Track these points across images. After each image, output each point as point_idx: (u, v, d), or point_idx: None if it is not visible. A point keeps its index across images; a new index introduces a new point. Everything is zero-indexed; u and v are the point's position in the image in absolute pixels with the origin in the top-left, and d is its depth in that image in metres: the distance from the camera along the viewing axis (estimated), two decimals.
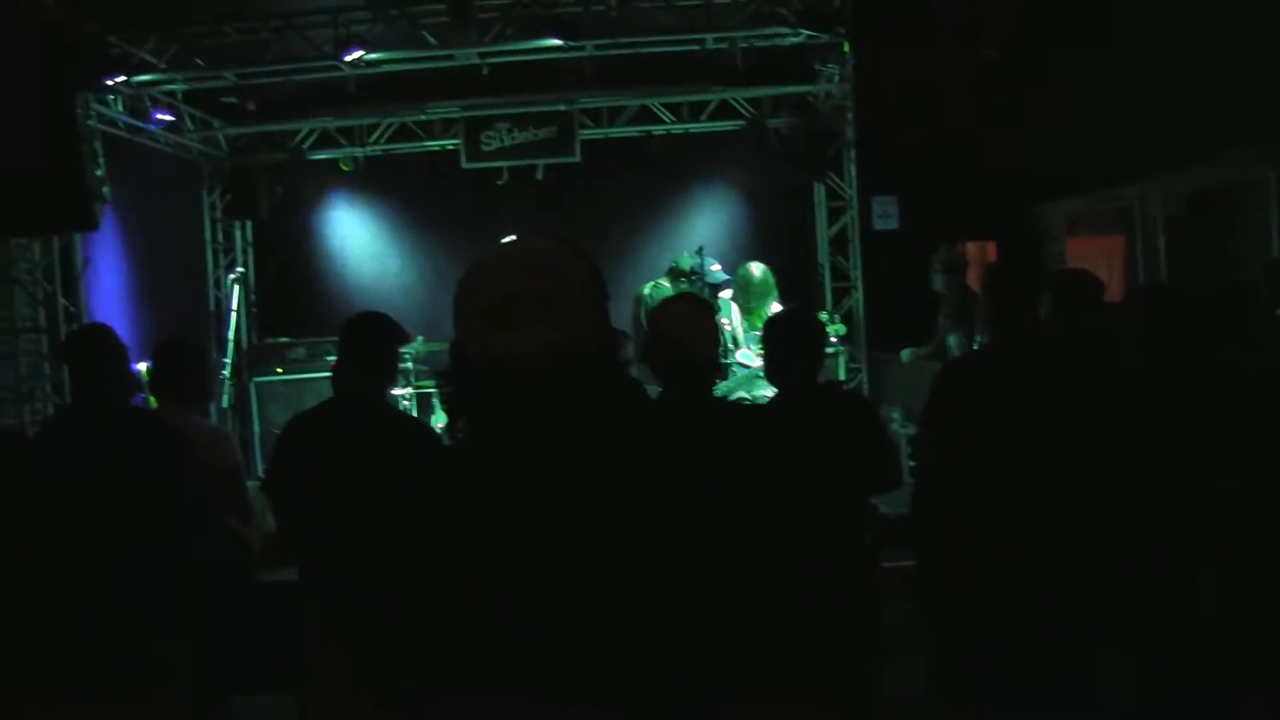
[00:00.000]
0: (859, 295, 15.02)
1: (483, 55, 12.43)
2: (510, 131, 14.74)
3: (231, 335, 14.67)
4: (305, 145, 15.51)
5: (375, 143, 15.53)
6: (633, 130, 15.26)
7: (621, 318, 11.68)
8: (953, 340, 11.99)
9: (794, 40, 11.94)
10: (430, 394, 13.38)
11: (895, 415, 12.25)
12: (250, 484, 6.79)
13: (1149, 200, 10.23)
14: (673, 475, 2.40)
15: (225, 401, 13.84)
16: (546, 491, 2.27)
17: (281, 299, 16.40)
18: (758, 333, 6.02)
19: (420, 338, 12.75)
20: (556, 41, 11.68)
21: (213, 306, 16.09)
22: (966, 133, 9.82)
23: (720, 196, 16.30)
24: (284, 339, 14.98)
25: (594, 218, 15.37)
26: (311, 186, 16.30)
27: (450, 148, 15.20)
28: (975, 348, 11.16)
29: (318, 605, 5.81)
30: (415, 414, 12.49)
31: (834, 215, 15.25)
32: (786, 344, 5.91)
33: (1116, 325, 6.22)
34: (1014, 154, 10.03)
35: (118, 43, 11.52)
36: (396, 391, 12.11)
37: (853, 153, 12.77)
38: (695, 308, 5.49)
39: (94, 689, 5.71)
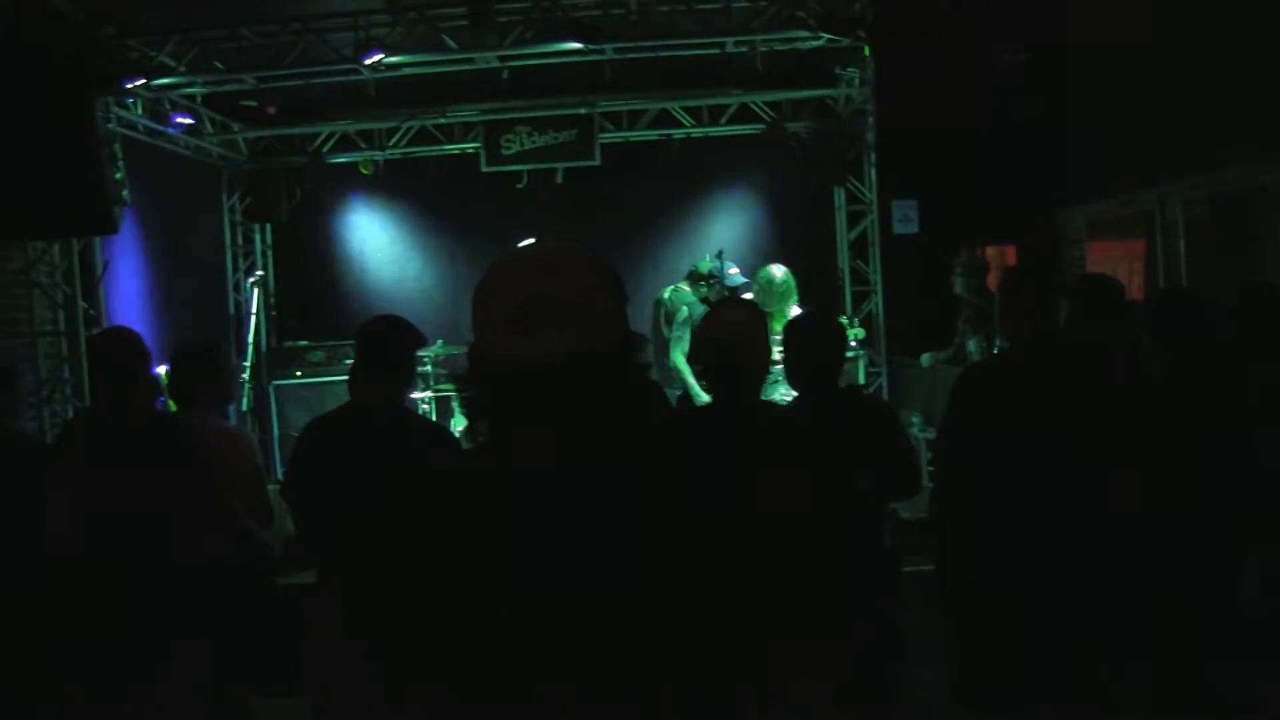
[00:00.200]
0: (878, 299, 14.99)
1: (502, 59, 12.40)
2: (530, 135, 14.73)
3: (251, 338, 14.68)
4: (325, 149, 15.51)
5: (395, 146, 15.53)
6: (653, 134, 15.25)
7: (641, 321, 11.66)
8: (972, 344, 11.97)
9: (814, 44, 11.91)
10: (449, 397, 13.37)
11: (914, 419, 12.23)
12: (269, 487, 6.78)
13: (1170, 204, 10.18)
14: (695, 478, 2.40)
15: (245, 404, 13.85)
16: (566, 493, 2.26)
17: (301, 302, 16.41)
18: (778, 335, 5.99)
19: (439, 341, 12.76)
20: (576, 45, 11.67)
21: (232, 310, 16.11)
22: (987, 137, 9.80)
23: (740, 200, 16.26)
24: (303, 342, 14.99)
25: (613, 221, 15.36)
26: (331, 190, 16.28)
27: (470, 151, 15.19)
28: (995, 352, 11.14)
29: (335, 609, 5.81)
30: (434, 417, 12.50)
31: (854, 219, 15.25)
32: (807, 346, 5.90)
33: (1137, 330, 6.20)
34: (1035, 158, 10.01)
35: (137, 46, 11.53)
36: (415, 395, 12.10)
37: (873, 156, 12.71)
38: (747, 312, 5.45)
39: (111, 688, 5.72)
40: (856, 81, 13.72)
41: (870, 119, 12.50)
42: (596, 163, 14.83)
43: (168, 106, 13.33)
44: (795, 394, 6.03)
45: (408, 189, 16.31)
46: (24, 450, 6.50)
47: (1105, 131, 10.47)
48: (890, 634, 5.75)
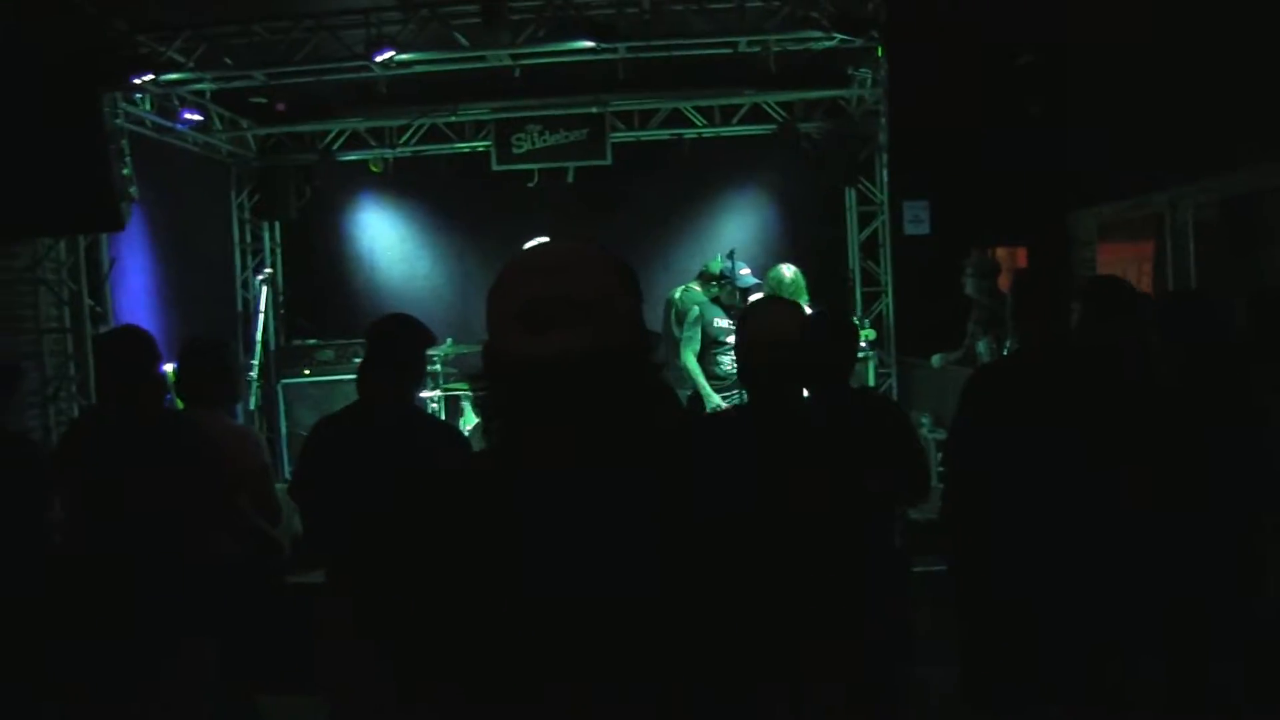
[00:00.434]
0: (889, 300, 14.98)
1: (514, 57, 12.39)
2: (541, 134, 14.72)
3: (259, 336, 14.68)
4: (335, 146, 15.50)
5: (405, 144, 15.51)
6: (664, 133, 15.24)
7: (652, 321, 11.65)
8: (983, 346, 11.95)
9: (827, 44, 11.90)
10: (458, 396, 13.38)
11: (925, 420, 12.22)
12: (278, 486, 6.77)
13: (1181, 206, 10.14)
14: (717, 477, 2.39)
15: (253, 403, 13.85)
16: (580, 493, 2.25)
17: (309, 300, 16.41)
18: None
19: (449, 340, 12.73)
20: (589, 44, 11.65)
21: (240, 308, 16.08)
22: (999, 138, 9.78)
23: (751, 200, 16.26)
24: (312, 340, 14.98)
25: (624, 221, 15.36)
26: (341, 188, 16.28)
27: (481, 150, 15.18)
28: (1005, 353, 11.12)
29: (344, 608, 5.79)
30: (443, 416, 12.49)
31: (865, 220, 15.24)
32: (820, 346, 5.87)
33: (1147, 331, 6.20)
34: (1046, 158, 9.99)
35: (147, 42, 11.50)
36: (424, 394, 12.08)
37: (884, 157, 12.71)
38: (789, 311, 5.39)
39: (119, 687, 5.71)
40: (869, 82, 13.70)
41: (882, 119, 12.48)
42: (608, 162, 14.80)
43: (176, 103, 13.31)
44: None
45: (418, 187, 16.29)
46: (27, 449, 6.49)
47: (1117, 133, 10.44)
48: (900, 634, 5.73)
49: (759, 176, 16.13)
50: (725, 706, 2.22)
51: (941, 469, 7.16)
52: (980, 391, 6.06)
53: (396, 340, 5.97)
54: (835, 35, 11.43)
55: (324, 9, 11.63)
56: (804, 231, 15.68)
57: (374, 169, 15.71)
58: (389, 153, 15.56)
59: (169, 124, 13.39)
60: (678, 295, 11.71)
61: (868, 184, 14.93)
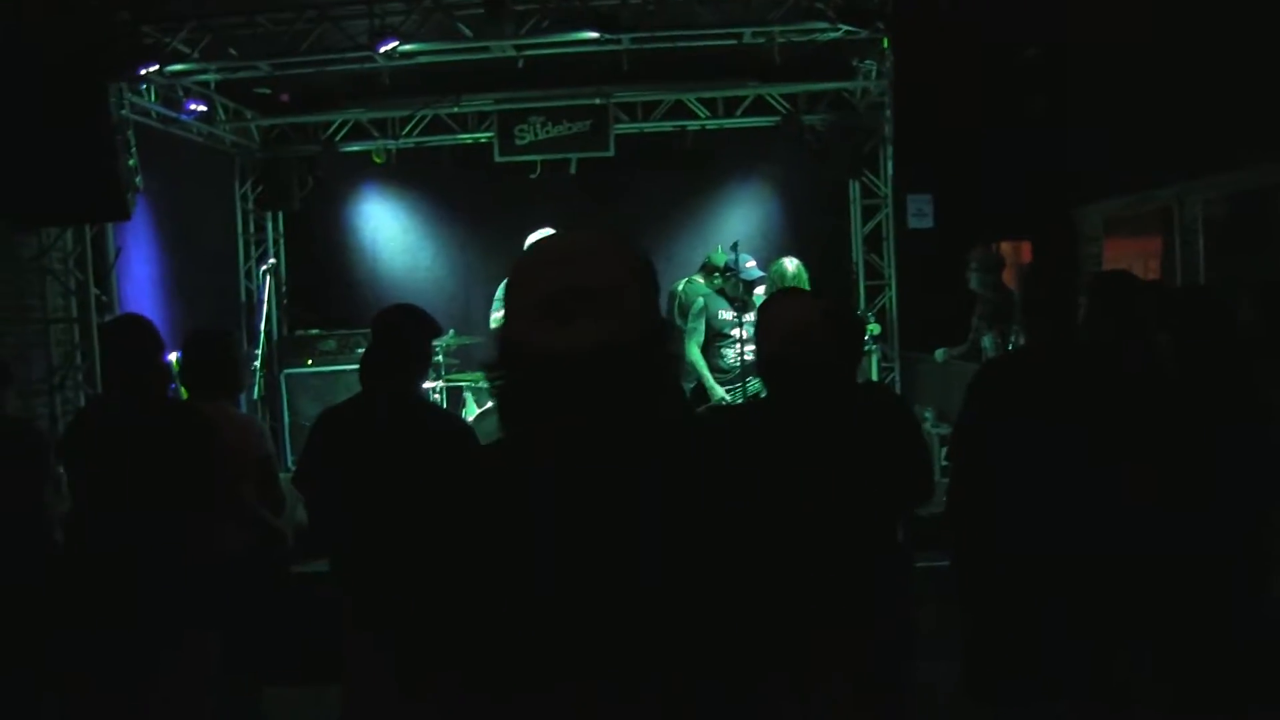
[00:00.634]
0: (893, 293, 14.95)
1: (518, 48, 12.36)
2: (544, 125, 14.67)
3: (262, 326, 14.68)
4: (338, 137, 15.43)
5: (408, 135, 15.44)
6: (668, 125, 15.15)
7: None
8: (987, 340, 11.93)
9: (832, 36, 11.86)
10: (460, 387, 13.38)
11: (928, 415, 12.20)
12: (281, 476, 6.77)
13: (1188, 202, 10.13)
14: (726, 471, 2.39)
15: (256, 393, 13.85)
16: (592, 485, 2.24)
17: (313, 291, 16.37)
18: None
19: (451, 331, 12.74)
20: (593, 35, 11.62)
21: (244, 298, 16.08)
22: (1004, 132, 9.77)
23: (755, 193, 16.24)
24: (315, 331, 14.99)
25: (627, 213, 15.30)
26: (344, 178, 16.25)
27: (483, 141, 15.12)
28: (1010, 348, 11.11)
29: (348, 597, 5.80)
30: (445, 407, 12.47)
31: (869, 213, 15.20)
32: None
33: (1153, 327, 6.19)
34: (1052, 154, 9.98)
35: (151, 32, 11.49)
36: (427, 385, 12.07)
37: (889, 150, 12.68)
38: (809, 304, 5.36)
39: (122, 678, 5.71)
40: (874, 74, 13.68)
41: (887, 112, 12.47)
42: (611, 153, 14.74)
43: (181, 93, 13.32)
44: None
45: (421, 178, 16.27)
46: (28, 436, 6.50)
47: (1124, 129, 10.43)
48: (905, 629, 5.72)
49: (763, 169, 16.08)
50: (733, 700, 2.21)
51: (945, 464, 7.14)
52: (986, 386, 6.05)
53: (402, 330, 5.97)
54: (841, 26, 11.39)
55: (327, 0, 11.62)
56: (807, 224, 15.61)
57: (377, 160, 15.66)
58: (392, 144, 15.50)
59: (174, 115, 13.38)
60: (681, 287, 11.71)
61: (872, 177, 14.87)
